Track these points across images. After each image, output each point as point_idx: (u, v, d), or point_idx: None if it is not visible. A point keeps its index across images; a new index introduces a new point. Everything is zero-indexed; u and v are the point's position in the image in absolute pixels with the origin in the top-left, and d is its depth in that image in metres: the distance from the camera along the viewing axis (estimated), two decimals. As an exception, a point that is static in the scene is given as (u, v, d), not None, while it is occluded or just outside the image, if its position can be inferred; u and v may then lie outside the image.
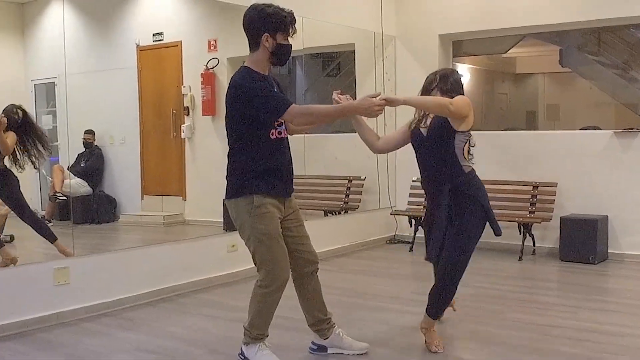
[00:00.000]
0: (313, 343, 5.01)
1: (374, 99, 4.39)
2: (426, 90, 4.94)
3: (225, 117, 4.59)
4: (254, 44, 4.56)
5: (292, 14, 4.54)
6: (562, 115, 15.97)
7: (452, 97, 4.69)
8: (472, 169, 4.94)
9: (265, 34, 4.46)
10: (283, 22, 4.46)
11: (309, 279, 4.81)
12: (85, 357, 5.14)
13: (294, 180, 4.74)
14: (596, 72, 12.46)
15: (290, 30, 4.51)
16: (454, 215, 4.91)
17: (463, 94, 4.86)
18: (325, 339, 4.94)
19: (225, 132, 4.61)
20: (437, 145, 4.86)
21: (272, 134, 4.49)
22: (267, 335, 4.74)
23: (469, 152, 4.88)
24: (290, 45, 4.58)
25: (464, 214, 4.93)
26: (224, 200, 8.99)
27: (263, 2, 4.58)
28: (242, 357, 4.70)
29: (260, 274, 4.58)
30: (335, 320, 5.01)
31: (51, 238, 6.75)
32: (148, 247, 7.49)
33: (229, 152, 4.59)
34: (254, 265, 4.60)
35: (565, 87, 16.00)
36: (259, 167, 4.48)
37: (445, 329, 5.63)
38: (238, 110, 4.45)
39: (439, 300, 5.16)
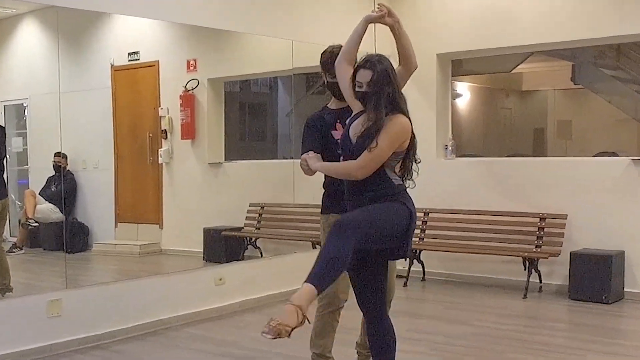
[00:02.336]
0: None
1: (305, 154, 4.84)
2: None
3: None
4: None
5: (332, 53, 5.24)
6: (574, 133, 16.02)
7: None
8: (402, 184, 4.71)
9: (322, 71, 5.39)
10: (326, 62, 5.35)
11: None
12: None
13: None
14: (614, 88, 12.52)
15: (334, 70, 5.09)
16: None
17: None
18: None
19: None
20: None
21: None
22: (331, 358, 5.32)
23: (403, 168, 4.69)
24: (332, 82, 5.21)
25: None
26: (204, 228, 9.46)
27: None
28: None
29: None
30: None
31: None
32: (137, 280, 7.96)
33: None
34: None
35: (578, 104, 16.11)
36: (330, 188, 5.19)
37: None
38: None
39: None
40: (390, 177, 4.60)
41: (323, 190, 5.33)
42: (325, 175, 5.15)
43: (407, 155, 4.63)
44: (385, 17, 4.98)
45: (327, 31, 9.04)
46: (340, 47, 5.11)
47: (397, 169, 4.61)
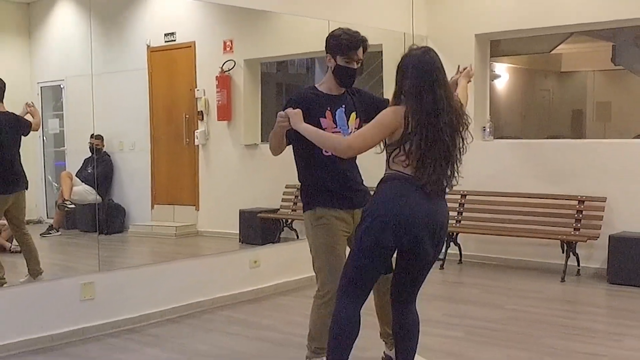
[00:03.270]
0: (384, 353, 5.44)
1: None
2: None
3: None
4: None
5: (357, 39, 5.02)
6: (614, 116, 15.74)
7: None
8: (393, 175, 4.42)
9: (328, 54, 5.03)
10: (340, 45, 4.97)
11: (385, 292, 5.13)
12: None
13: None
14: None
15: (349, 54, 4.97)
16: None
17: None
18: (391, 351, 5.30)
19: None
20: None
21: (324, 152, 4.86)
22: None
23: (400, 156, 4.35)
24: (352, 68, 5.03)
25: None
26: (240, 210, 9.41)
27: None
28: None
29: (317, 283, 5.11)
30: (363, 342, 5.24)
31: None
32: (172, 263, 7.90)
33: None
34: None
35: (618, 85, 15.77)
36: (319, 183, 5.04)
37: (479, 353, 5.91)
38: None
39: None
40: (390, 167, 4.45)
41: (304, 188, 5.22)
42: (300, 169, 5.14)
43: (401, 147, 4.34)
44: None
45: (362, 11, 9.02)
46: (356, 33, 5.04)
47: (402, 162, 4.35)
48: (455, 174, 4.52)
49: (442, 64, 4.40)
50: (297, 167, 5.17)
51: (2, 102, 6.99)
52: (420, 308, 7.34)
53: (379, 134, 4.38)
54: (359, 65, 5.12)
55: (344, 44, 4.98)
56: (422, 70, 4.32)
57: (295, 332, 6.26)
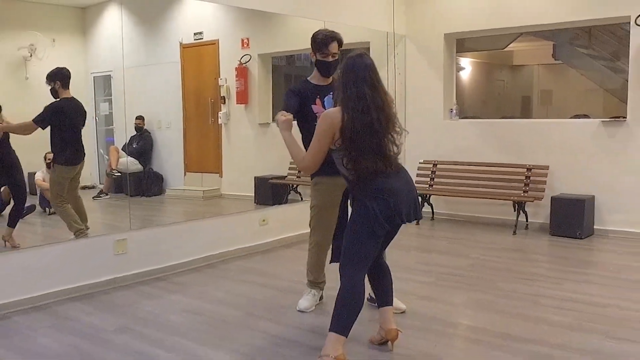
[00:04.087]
0: (369, 295, 5.11)
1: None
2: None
3: None
4: None
5: (328, 37, 4.99)
6: (554, 101, 15.73)
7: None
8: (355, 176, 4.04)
9: (311, 51, 5.09)
10: (316, 43, 5.03)
11: None
12: (143, 316, 5.31)
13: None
14: (586, 64, 12.30)
15: (323, 49, 4.99)
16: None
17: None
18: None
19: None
20: None
21: None
22: (323, 282, 5.44)
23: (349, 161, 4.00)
24: (327, 61, 5.02)
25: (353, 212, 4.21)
26: (255, 177, 9.27)
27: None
28: None
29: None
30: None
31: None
32: (194, 222, 7.63)
33: None
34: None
35: (557, 76, 15.66)
36: None
37: (447, 296, 5.69)
38: None
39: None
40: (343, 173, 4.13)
41: None
42: (304, 142, 4.82)
43: (348, 149, 3.96)
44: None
45: (353, 13, 8.86)
46: (330, 32, 5.04)
47: (344, 165, 4.01)
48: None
49: (374, 67, 4.09)
50: (302, 139, 4.89)
51: (69, 90, 6.70)
52: (398, 258, 7.21)
53: (322, 143, 4.05)
54: (334, 58, 5.02)
55: (319, 41, 5.01)
56: (353, 71, 4.01)
57: (296, 279, 6.09)
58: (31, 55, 7.95)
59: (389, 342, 4.49)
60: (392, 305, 4.56)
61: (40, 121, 6.55)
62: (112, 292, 6.05)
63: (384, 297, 4.56)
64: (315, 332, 4.83)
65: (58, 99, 6.65)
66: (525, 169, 8.81)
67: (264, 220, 7.76)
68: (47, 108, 6.62)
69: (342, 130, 3.93)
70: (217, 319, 5.25)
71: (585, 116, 10.47)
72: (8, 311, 5.41)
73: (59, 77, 6.67)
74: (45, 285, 5.71)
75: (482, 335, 4.76)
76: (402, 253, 7.46)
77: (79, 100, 6.90)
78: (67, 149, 6.77)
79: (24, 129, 6.65)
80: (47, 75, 6.70)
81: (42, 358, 4.49)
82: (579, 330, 4.83)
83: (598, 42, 12.17)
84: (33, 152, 7.35)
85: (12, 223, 6.55)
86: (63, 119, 6.68)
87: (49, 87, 6.65)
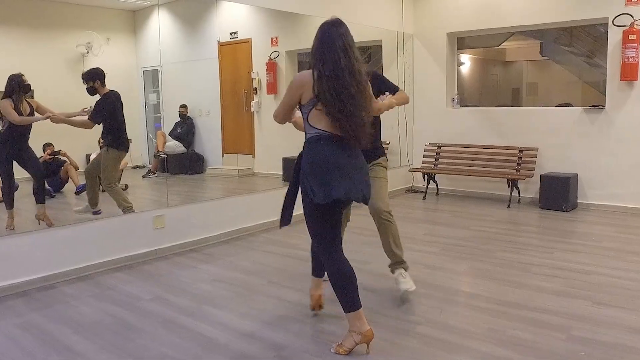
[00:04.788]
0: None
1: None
2: None
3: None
4: None
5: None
6: (540, 92, 15.27)
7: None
8: (317, 135, 3.47)
9: None
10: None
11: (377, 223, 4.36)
12: (177, 285, 4.89)
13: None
14: (568, 59, 11.90)
15: None
16: None
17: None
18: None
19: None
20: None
21: None
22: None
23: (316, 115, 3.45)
24: None
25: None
26: (283, 158, 8.90)
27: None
28: None
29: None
30: (363, 257, 4.80)
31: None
32: (225, 199, 7.19)
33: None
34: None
35: (543, 70, 15.20)
36: None
37: (450, 265, 5.28)
38: None
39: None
40: (307, 131, 3.52)
41: None
42: None
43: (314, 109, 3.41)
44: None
45: (366, 14, 8.50)
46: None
47: (311, 119, 3.45)
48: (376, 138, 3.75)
49: (349, 35, 3.39)
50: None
51: (105, 85, 6.17)
52: (408, 229, 6.76)
53: (288, 102, 3.56)
54: None
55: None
56: (326, 37, 3.35)
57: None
58: (88, 52, 7.61)
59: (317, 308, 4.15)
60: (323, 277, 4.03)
61: (97, 116, 6.07)
62: (151, 262, 5.62)
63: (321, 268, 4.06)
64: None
65: (106, 92, 6.14)
66: (518, 151, 8.43)
67: (288, 196, 7.27)
68: (99, 104, 6.12)
69: (313, 89, 3.36)
70: (242, 286, 4.82)
71: (569, 104, 10.08)
72: (56, 281, 5.01)
73: (98, 77, 6.11)
74: (91, 257, 5.30)
75: (481, 302, 4.34)
76: (410, 225, 7.03)
77: (131, 91, 6.49)
78: (121, 136, 6.29)
79: (83, 126, 6.11)
80: (84, 75, 6.18)
81: (78, 325, 4.07)
82: (567, 296, 4.44)
83: (578, 40, 11.79)
84: (85, 136, 6.91)
85: (40, 199, 5.93)
86: (114, 110, 6.19)
87: (87, 86, 6.11)
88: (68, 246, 5.15)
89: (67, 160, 6.97)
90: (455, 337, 3.71)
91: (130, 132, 6.75)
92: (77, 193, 6.98)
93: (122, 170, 7.42)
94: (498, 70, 16.02)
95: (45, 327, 4.01)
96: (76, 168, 7.07)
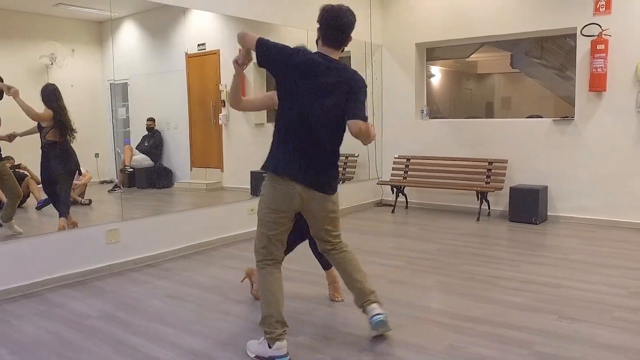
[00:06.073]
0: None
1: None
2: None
3: (336, 109, 3.35)
4: (342, 44, 3.49)
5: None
6: (513, 105, 15.20)
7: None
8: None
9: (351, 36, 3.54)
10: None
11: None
12: (127, 302, 4.64)
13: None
14: (539, 72, 11.84)
15: None
16: None
17: None
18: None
19: (328, 129, 3.40)
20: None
21: None
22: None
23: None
24: None
25: None
26: (251, 171, 8.70)
27: (337, 5, 3.49)
28: None
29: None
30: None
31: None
32: (184, 212, 6.88)
33: (329, 148, 3.47)
34: None
35: (515, 84, 15.15)
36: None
37: (415, 279, 5.07)
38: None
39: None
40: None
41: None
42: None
43: None
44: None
45: None
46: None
47: None
48: None
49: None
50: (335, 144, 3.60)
51: None
52: (374, 243, 6.56)
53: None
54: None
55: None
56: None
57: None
58: (52, 64, 7.41)
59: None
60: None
61: None
62: (103, 278, 5.35)
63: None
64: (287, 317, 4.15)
65: None
66: (487, 163, 8.30)
67: (252, 210, 7.01)
68: None
69: None
70: (196, 303, 4.58)
71: (539, 116, 9.92)
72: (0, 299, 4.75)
73: None
74: (38, 273, 5.03)
75: (443, 318, 4.15)
76: (377, 239, 6.85)
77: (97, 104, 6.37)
78: None
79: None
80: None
81: (19, 345, 3.79)
82: (533, 311, 4.27)
83: (549, 53, 11.75)
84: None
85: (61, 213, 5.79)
86: None
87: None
88: (15, 262, 4.87)
89: (28, 174, 6.73)
90: (412, 355, 3.50)
91: (96, 146, 6.52)
92: (39, 208, 6.73)
93: (86, 184, 7.20)
94: (472, 84, 15.99)
95: (-19, 348, 3.75)
96: (37, 182, 6.81)
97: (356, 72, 3.47)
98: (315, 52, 3.45)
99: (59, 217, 5.77)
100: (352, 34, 3.48)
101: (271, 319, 3.38)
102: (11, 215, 5.73)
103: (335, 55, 3.44)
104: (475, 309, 4.31)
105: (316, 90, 3.31)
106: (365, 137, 3.21)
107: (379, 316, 3.66)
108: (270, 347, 3.37)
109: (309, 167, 3.41)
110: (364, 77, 3.56)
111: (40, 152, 5.91)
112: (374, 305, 3.72)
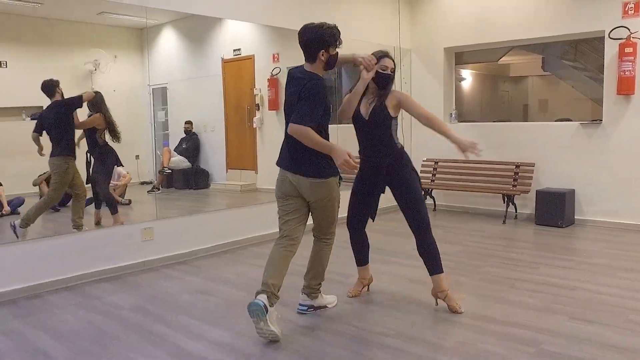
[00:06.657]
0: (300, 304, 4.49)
1: (350, 159, 3.72)
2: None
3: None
4: (311, 58, 4.02)
5: (337, 28, 4.04)
6: (550, 108, 15.06)
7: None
8: (402, 146, 4.55)
9: (322, 50, 3.97)
10: (334, 38, 3.98)
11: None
12: (159, 296, 4.91)
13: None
14: (571, 75, 11.80)
15: (338, 43, 4.02)
16: (394, 180, 4.44)
17: None
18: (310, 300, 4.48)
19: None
20: (377, 127, 4.39)
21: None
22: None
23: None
24: (337, 53, 4.07)
25: (405, 176, 4.42)
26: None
27: (315, 23, 4.02)
28: None
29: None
30: (349, 270, 4.88)
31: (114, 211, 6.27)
32: (215, 212, 7.18)
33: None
34: None
35: (551, 86, 15.00)
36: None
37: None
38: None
39: (430, 252, 4.49)
40: (395, 142, 4.52)
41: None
42: None
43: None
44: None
45: (364, 30, 8.57)
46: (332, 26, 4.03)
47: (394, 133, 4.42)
48: None
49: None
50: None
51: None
52: (398, 244, 6.72)
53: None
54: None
55: (337, 35, 4.08)
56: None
57: (300, 263, 5.53)
58: (95, 69, 7.71)
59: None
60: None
61: None
62: (137, 274, 5.66)
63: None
64: (309, 313, 4.37)
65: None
66: (514, 166, 8.36)
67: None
68: None
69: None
70: (222, 298, 4.83)
71: (568, 119, 9.90)
72: (43, 290, 5.09)
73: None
74: (78, 267, 5.37)
75: (458, 317, 4.29)
76: (401, 239, 6.99)
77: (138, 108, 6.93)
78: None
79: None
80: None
81: (57, 332, 4.11)
82: (546, 311, 4.37)
83: (584, 56, 11.64)
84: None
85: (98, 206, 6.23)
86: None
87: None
88: (57, 257, 5.21)
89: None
90: (421, 350, 3.68)
91: (137, 149, 6.79)
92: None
93: (126, 185, 7.51)
94: (509, 86, 15.92)
95: (25, 333, 4.07)
96: None
97: (314, 81, 3.94)
98: (300, 66, 4.09)
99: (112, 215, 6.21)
100: (309, 49, 4.01)
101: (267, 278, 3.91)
102: (80, 212, 6.10)
103: (310, 67, 4.03)
104: (490, 309, 4.43)
105: (287, 97, 4.08)
106: (300, 138, 3.86)
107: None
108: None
109: (292, 156, 4.09)
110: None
111: (87, 154, 6.31)
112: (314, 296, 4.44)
